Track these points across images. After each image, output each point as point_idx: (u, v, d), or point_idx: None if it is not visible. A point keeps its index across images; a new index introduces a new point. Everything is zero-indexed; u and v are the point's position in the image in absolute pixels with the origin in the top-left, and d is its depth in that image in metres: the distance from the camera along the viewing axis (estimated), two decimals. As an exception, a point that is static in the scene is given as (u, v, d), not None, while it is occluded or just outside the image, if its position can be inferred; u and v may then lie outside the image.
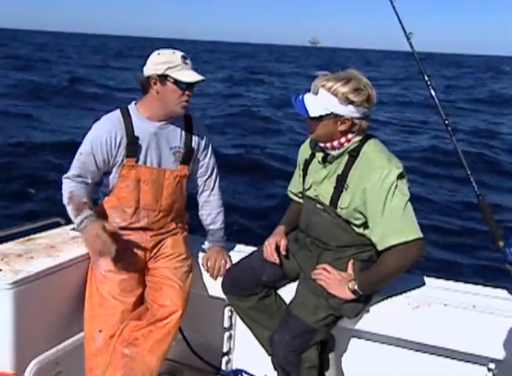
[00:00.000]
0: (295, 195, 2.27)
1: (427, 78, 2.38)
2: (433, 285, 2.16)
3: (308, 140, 2.17)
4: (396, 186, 1.81)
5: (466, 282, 2.20)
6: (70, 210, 2.07)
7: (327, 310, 1.94)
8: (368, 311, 2.03)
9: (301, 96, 1.92)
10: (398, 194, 1.81)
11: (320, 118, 1.89)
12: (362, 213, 1.88)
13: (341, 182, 1.91)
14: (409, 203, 1.83)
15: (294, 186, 2.26)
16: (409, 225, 1.81)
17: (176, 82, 2.05)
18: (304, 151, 2.17)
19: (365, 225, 1.91)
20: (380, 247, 1.85)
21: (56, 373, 2.12)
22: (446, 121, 2.31)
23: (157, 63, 2.06)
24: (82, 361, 2.13)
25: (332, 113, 1.86)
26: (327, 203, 1.95)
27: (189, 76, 2.06)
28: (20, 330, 1.97)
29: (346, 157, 1.93)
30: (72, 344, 2.20)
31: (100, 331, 2.08)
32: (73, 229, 2.46)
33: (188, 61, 2.09)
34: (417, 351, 2.12)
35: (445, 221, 8.39)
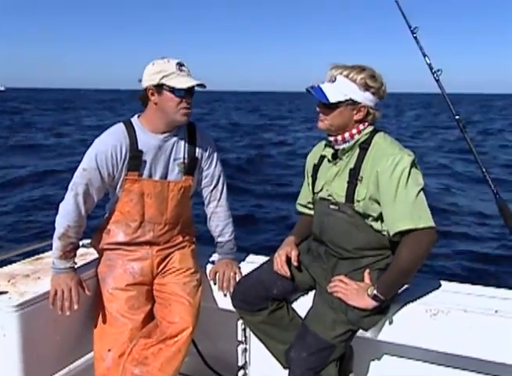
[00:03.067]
0: (304, 207, 2.20)
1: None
2: (451, 290, 2.06)
3: (315, 147, 2.14)
4: (409, 172, 1.77)
5: (486, 285, 2.09)
6: (57, 245, 2.06)
7: (346, 325, 1.85)
8: (386, 320, 1.94)
9: (316, 85, 1.90)
10: (410, 181, 1.76)
11: (337, 105, 1.86)
12: (377, 201, 1.82)
13: (355, 176, 1.86)
14: (421, 192, 1.78)
15: (303, 198, 2.20)
16: (421, 213, 1.75)
17: (172, 90, 2.00)
18: (312, 157, 2.12)
19: (381, 217, 1.85)
20: (391, 232, 1.79)
21: None
22: (457, 117, 2.22)
23: (152, 73, 2.01)
24: (94, 381, 2.09)
25: (350, 99, 1.85)
26: (342, 200, 1.89)
27: (185, 82, 2.00)
28: (28, 353, 1.94)
29: (357, 150, 1.90)
30: (83, 364, 2.17)
31: (109, 350, 2.04)
32: (83, 245, 2.44)
33: (184, 68, 2.03)
34: (439, 364, 2.02)
35: (463, 224, 8.27)
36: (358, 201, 1.85)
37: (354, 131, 1.89)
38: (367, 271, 1.88)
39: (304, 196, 2.18)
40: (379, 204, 1.83)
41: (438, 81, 2.26)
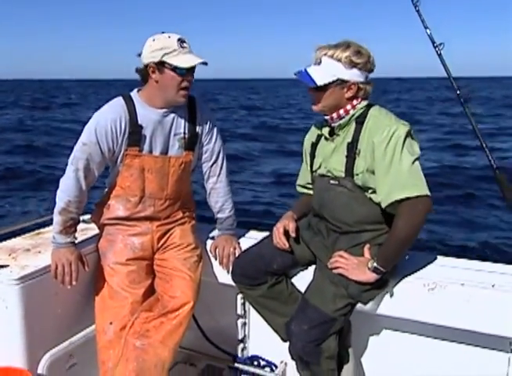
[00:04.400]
0: (303, 187, 2.21)
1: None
2: (449, 265, 2.08)
3: (312, 127, 2.13)
4: (404, 142, 1.77)
5: (483, 260, 2.11)
6: (57, 220, 2.06)
7: (346, 299, 1.87)
8: (384, 294, 1.96)
9: (303, 69, 1.90)
10: (405, 151, 1.77)
11: (326, 87, 1.87)
12: (374, 173, 1.83)
13: (352, 149, 1.86)
14: (417, 161, 1.78)
15: (302, 178, 2.20)
16: (415, 181, 1.76)
17: (175, 69, 1.97)
18: (310, 137, 2.13)
19: None
20: (384, 204, 1.80)
21: (70, 365, 2.12)
22: (458, 92, 2.21)
23: (153, 49, 1.98)
24: (96, 353, 2.11)
25: (338, 79, 1.85)
26: (342, 174, 1.89)
27: (188, 60, 1.98)
28: (30, 326, 1.96)
29: (353, 125, 1.90)
30: (84, 336, 2.19)
31: (111, 323, 2.06)
32: (83, 221, 2.45)
33: (185, 44, 2.00)
34: (436, 337, 2.05)
35: (459, 195, 8.30)
36: (357, 174, 1.86)
37: (348, 107, 1.90)
38: (367, 246, 1.90)
39: (303, 176, 2.19)
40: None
41: (440, 55, 2.24)
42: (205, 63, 2.02)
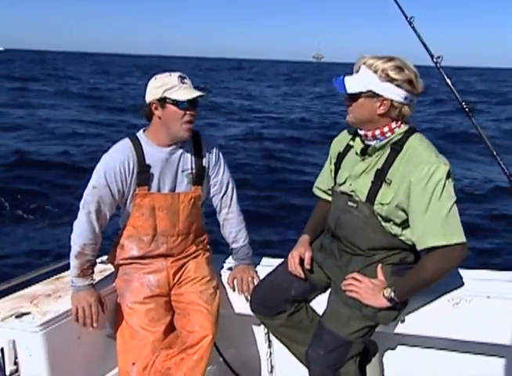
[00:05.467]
0: (324, 192, 2.14)
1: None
2: (472, 277, 2.01)
3: (343, 133, 2.06)
4: (444, 184, 1.69)
5: (508, 270, 2.04)
6: (74, 263, 2.09)
7: (361, 321, 1.83)
8: (406, 313, 1.91)
9: (342, 76, 1.83)
10: (445, 194, 1.69)
11: (357, 96, 1.79)
12: (404, 210, 1.76)
13: (381, 177, 1.79)
14: (455, 205, 1.71)
15: (323, 183, 2.13)
16: (453, 228, 1.69)
17: (176, 103, 2.02)
18: (338, 144, 2.05)
19: (404, 224, 1.80)
20: (419, 247, 1.73)
21: None
22: (463, 105, 2.18)
23: (155, 87, 2.04)
24: (121, 396, 2.11)
25: (370, 90, 1.76)
26: (363, 199, 1.83)
27: (187, 93, 2.01)
28: (55, 371, 1.97)
29: (388, 150, 1.81)
30: None
31: (133, 364, 2.06)
32: (102, 262, 2.47)
33: (186, 80, 2.05)
34: (463, 352, 1.98)
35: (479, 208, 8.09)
36: (382, 204, 1.79)
37: (385, 129, 1.80)
38: (380, 266, 1.86)
39: (325, 181, 2.12)
40: (405, 212, 1.77)
41: (439, 68, 2.22)
42: (205, 96, 2.06)
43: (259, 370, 2.46)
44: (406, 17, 2.32)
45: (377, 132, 1.81)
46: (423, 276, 1.74)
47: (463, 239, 1.69)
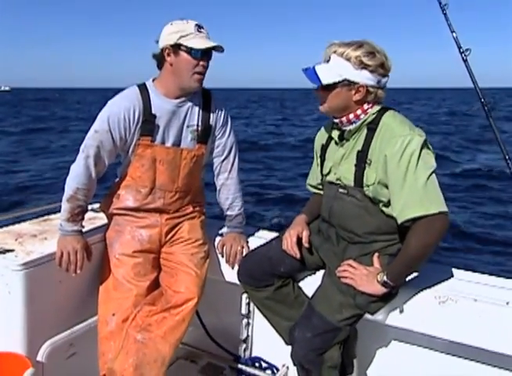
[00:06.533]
0: (314, 187, 2.15)
1: None
2: (462, 278, 2.01)
3: (323, 127, 2.05)
4: (419, 155, 1.65)
5: (498, 276, 2.04)
6: (65, 207, 2.04)
7: (353, 309, 1.82)
8: (393, 304, 1.91)
9: (311, 66, 1.79)
10: (420, 164, 1.65)
11: (333, 86, 1.76)
12: (386, 186, 1.74)
13: (363, 158, 1.77)
14: (433, 174, 1.67)
15: (313, 178, 2.14)
16: (432, 197, 1.65)
17: (189, 51, 1.94)
18: (320, 138, 2.05)
19: None
20: (399, 220, 1.70)
21: (70, 354, 2.10)
22: (482, 101, 2.14)
23: (170, 32, 1.96)
24: (96, 344, 2.09)
25: (345, 79, 1.74)
26: (351, 184, 1.81)
27: (203, 43, 1.94)
28: (32, 312, 1.94)
29: (364, 131, 1.80)
30: (86, 326, 2.17)
31: (113, 315, 2.04)
32: (92, 209, 2.43)
33: (203, 30, 1.97)
34: (443, 351, 1.99)
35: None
36: (368, 186, 1.77)
37: (359, 111, 1.79)
38: (376, 255, 1.84)
39: (314, 176, 2.13)
40: (388, 189, 1.75)
41: (465, 61, 2.17)
42: (221, 49, 1.98)
43: (235, 338, 2.47)
44: (440, 3, 2.24)
45: (351, 116, 1.81)
46: (410, 253, 1.70)
47: (443, 208, 1.65)
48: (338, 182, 1.88)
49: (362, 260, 1.85)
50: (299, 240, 2.01)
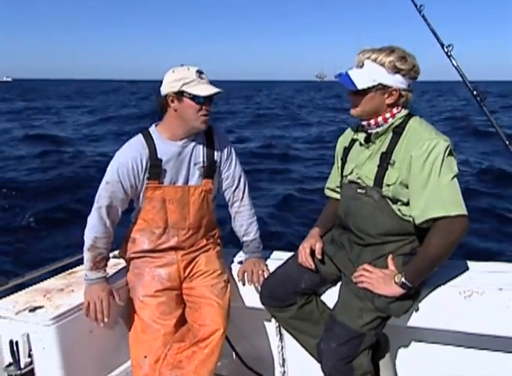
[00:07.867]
0: (332, 191, 2.17)
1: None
2: (483, 270, 1.99)
3: (347, 130, 2.10)
4: (443, 159, 1.71)
5: None
6: (87, 256, 2.11)
7: (373, 313, 1.82)
8: (418, 306, 1.89)
9: (344, 72, 1.86)
10: (444, 168, 1.71)
11: (367, 91, 1.82)
12: (407, 187, 1.78)
13: (386, 160, 1.82)
14: (455, 179, 1.72)
15: (332, 181, 2.17)
16: (453, 200, 1.70)
17: (193, 97, 2.02)
18: (344, 140, 2.10)
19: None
20: (418, 221, 1.74)
21: None
22: (474, 92, 2.15)
23: (172, 80, 2.04)
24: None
25: (380, 84, 1.81)
26: (371, 183, 1.85)
27: (205, 89, 2.03)
28: (68, 364, 1.99)
29: (390, 134, 1.85)
30: (122, 372, 2.21)
31: (145, 357, 2.07)
32: (114, 256, 2.49)
33: (203, 76, 2.06)
34: (476, 347, 1.95)
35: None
36: (388, 185, 1.81)
37: (387, 115, 1.85)
38: (390, 256, 1.84)
39: (333, 179, 2.16)
40: (409, 188, 1.78)
41: (449, 56, 2.19)
42: (221, 93, 2.07)
43: (271, 363, 2.47)
44: (416, 5, 2.29)
45: (379, 119, 1.86)
46: (429, 252, 1.73)
47: (463, 211, 1.69)
48: (359, 180, 1.91)
49: (377, 263, 1.86)
50: (313, 252, 2.03)
